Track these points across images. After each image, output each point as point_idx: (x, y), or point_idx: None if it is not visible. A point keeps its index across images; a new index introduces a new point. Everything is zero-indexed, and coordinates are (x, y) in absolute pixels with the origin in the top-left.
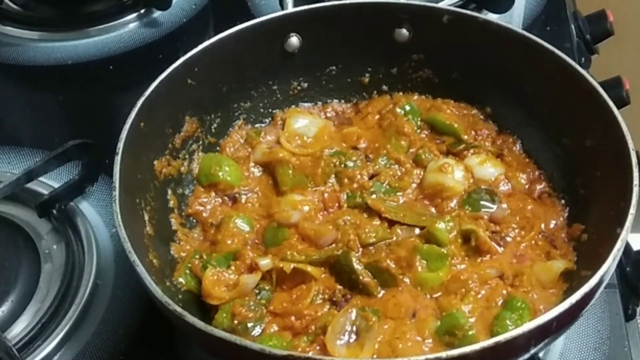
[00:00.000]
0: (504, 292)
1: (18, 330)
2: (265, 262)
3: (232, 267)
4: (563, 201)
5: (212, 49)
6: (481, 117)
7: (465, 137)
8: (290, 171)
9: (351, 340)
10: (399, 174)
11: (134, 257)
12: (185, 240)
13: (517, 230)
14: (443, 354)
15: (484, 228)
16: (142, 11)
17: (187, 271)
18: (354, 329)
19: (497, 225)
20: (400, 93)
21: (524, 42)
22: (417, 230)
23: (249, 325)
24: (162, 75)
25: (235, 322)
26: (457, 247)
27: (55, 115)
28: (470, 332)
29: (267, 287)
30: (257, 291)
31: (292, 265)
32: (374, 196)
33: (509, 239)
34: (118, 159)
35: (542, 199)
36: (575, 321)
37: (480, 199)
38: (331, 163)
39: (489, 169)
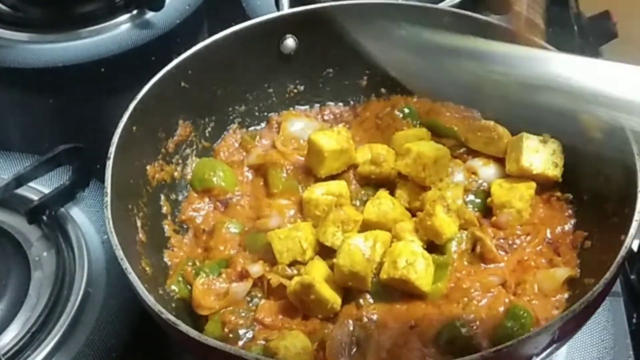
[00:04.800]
0: (507, 300)
1: (8, 339)
2: (255, 269)
3: (223, 275)
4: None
5: (206, 51)
6: (482, 119)
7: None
8: (282, 174)
9: (353, 352)
10: None
11: (126, 264)
12: (178, 247)
13: (522, 237)
14: None
15: (491, 236)
16: (135, 12)
17: (180, 278)
18: (353, 340)
19: (501, 232)
20: (399, 95)
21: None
22: None
23: (241, 332)
24: (155, 78)
25: (226, 330)
26: (459, 255)
27: (45, 119)
28: (471, 342)
29: (259, 295)
30: (249, 299)
31: (279, 281)
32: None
33: (515, 246)
34: (110, 163)
35: (550, 202)
36: (579, 330)
37: None
38: None
39: (493, 169)
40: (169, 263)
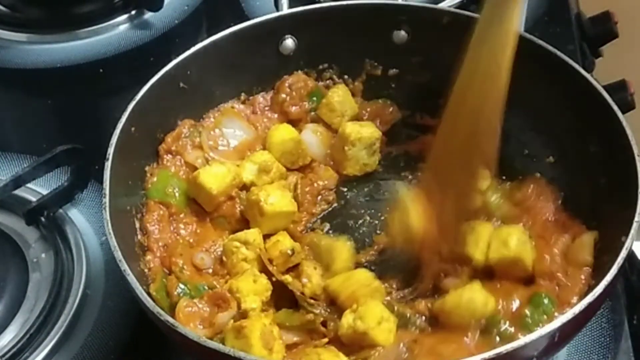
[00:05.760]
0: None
1: (5, 341)
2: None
3: (205, 298)
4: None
5: (205, 51)
6: None
7: None
8: None
9: None
10: None
11: (124, 266)
12: None
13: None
14: None
15: None
16: (133, 12)
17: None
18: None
19: None
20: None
21: (525, 44)
22: None
23: None
24: (154, 79)
25: None
26: None
27: (43, 120)
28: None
29: None
30: None
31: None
32: None
33: None
34: (108, 164)
35: None
36: (579, 332)
37: None
38: None
39: None
40: None
